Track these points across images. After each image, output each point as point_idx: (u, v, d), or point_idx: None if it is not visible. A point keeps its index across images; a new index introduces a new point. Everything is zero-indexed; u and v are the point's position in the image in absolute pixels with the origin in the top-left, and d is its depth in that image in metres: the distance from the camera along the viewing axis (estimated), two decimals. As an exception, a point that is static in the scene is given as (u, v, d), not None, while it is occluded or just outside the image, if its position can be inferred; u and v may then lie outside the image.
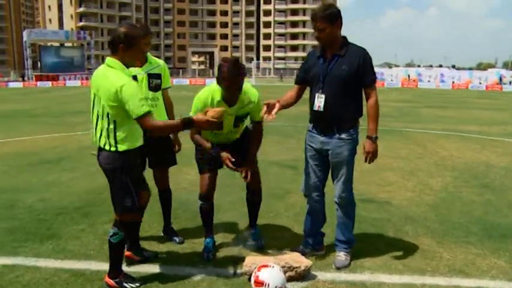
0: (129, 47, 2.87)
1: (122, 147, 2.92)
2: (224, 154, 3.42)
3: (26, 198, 5.16)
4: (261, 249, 3.70)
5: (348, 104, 3.32)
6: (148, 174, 3.86)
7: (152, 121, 2.81)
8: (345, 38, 3.34)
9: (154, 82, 3.71)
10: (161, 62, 3.86)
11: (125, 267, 3.24)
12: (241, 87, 3.32)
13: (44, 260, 3.49)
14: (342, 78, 3.26)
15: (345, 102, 3.31)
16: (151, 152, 3.71)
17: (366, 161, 3.37)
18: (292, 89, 3.56)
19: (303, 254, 3.49)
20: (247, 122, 3.67)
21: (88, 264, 3.41)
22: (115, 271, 3.09)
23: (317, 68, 3.36)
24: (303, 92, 3.55)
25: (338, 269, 3.35)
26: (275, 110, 3.25)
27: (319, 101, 3.33)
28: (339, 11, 3.26)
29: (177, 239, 3.90)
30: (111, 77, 2.83)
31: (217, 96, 3.38)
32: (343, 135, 3.35)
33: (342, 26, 3.29)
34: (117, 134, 2.89)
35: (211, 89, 3.43)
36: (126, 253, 3.39)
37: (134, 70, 3.56)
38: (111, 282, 3.07)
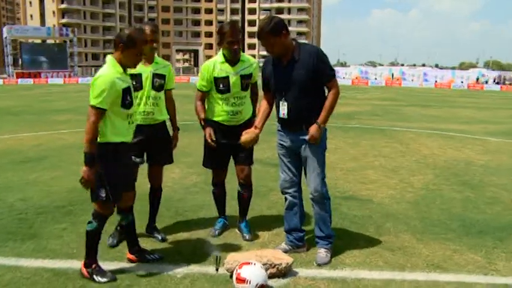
0: (127, 48, 3.05)
1: (101, 139, 3.04)
2: (208, 129, 3.79)
3: (7, 197, 5.10)
4: (250, 241, 3.85)
5: (312, 105, 3.39)
6: (141, 171, 3.88)
7: (94, 118, 2.93)
8: (295, 41, 3.42)
9: (158, 82, 3.77)
10: (168, 62, 3.95)
11: (107, 264, 3.25)
12: (239, 41, 3.71)
13: (25, 259, 3.46)
14: (301, 82, 3.33)
15: (309, 103, 3.38)
16: (149, 148, 3.81)
17: (308, 141, 3.41)
18: (263, 99, 3.65)
19: (285, 251, 3.53)
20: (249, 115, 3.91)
21: (70, 263, 3.39)
22: (89, 260, 3.17)
23: (276, 77, 3.45)
24: (274, 96, 3.62)
25: (319, 265, 3.40)
26: (254, 137, 3.51)
27: (283, 109, 3.43)
28: (281, 21, 3.33)
29: (159, 237, 3.91)
30: (100, 69, 3.07)
31: (220, 59, 3.77)
32: None
33: (289, 33, 3.38)
34: (100, 125, 3.01)
35: (213, 59, 3.85)
36: (129, 256, 3.44)
37: (140, 69, 3.67)
38: (84, 270, 3.16)
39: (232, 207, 4.29)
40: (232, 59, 3.76)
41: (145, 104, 3.73)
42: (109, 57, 3.12)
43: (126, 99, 3.06)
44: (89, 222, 3.16)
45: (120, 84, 3.02)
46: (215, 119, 3.84)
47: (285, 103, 3.41)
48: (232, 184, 4.17)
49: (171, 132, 3.95)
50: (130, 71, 3.49)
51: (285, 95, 3.41)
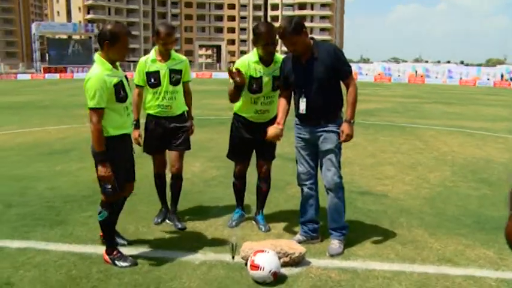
0: (113, 44, 3.12)
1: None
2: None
3: (36, 186, 5.38)
4: (267, 233, 4.00)
5: (330, 101, 3.55)
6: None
7: (95, 119, 3.08)
8: (313, 39, 3.55)
9: (175, 77, 3.97)
10: (184, 58, 4.13)
11: (128, 250, 3.44)
12: (275, 43, 3.72)
13: (53, 244, 3.69)
14: (320, 79, 3.48)
15: (327, 99, 3.53)
16: (170, 136, 4.04)
17: (341, 140, 3.55)
18: (281, 97, 3.78)
19: (299, 242, 3.66)
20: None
21: (94, 248, 3.60)
22: (109, 248, 3.36)
23: (295, 75, 3.59)
24: (291, 93, 3.79)
25: (332, 256, 3.52)
26: (279, 133, 3.63)
27: (303, 105, 3.57)
28: (301, 20, 3.49)
29: (179, 225, 4.11)
30: (90, 70, 3.19)
31: (254, 58, 3.81)
32: (330, 125, 3.57)
33: (307, 32, 3.50)
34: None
35: (247, 56, 3.91)
36: (101, 233, 3.57)
37: (158, 66, 3.90)
38: (106, 257, 3.35)
39: (250, 199, 4.43)
40: (267, 60, 3.82)
41: (164, 98, 3.95)
42: (96, 56, 3.19)
43: (119, 93, 3.17)
44: (100, 213, 3.33)
45: (111, 80, 3.11)
46: (243, 114, 3.98)
47: (304, 99, 3.56)
48: (249, 178, 4.31)
49: None
50: (149, 69, 3.79)
51: (304, 91, 3.55)
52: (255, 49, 3.85)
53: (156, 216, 4.27)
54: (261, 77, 3.82)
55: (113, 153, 3.18)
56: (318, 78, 3.49)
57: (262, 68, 3.81)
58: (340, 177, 3.66)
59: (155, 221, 4.20)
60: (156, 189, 4.33)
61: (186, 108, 4.16)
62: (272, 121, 3.92)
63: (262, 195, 4.21)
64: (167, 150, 4.13)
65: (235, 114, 4.03)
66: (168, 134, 4.04)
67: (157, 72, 3.92)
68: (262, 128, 3.82)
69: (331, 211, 3.71)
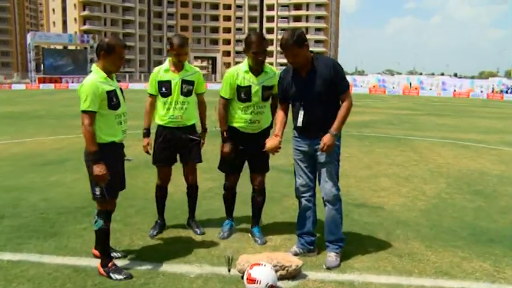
0: (108, 54, 3.28)
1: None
2: (227, 145, 3.94)
3: (30, 198, 5.33)
4: (263, 245, 3.98)
5: (329, 113, 3.54)
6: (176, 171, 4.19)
7: (87, 121, 3.17)
8: (312, 52, 3.58)
9: (187, 88, 4.02)
10: (197, 69, 4.17)
11: (123, 262, 3.40)
12: (265, 53, 3.78)
13: (47, 256, 3.65)
14: (319, 93, 3.50)
15: (325, 112, 3.54)
16: (181, 149, 4.11)
17: (320, 150, 3.53)
18: (279, 109, 3.80)
19: (296, 254, 3.65)
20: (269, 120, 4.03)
21: (89, 261, 3.56)
22: (104, 259, 3.35)
23: (294, 88, 3.61)
24: (289, 106, 3.81)
25: (328, 269, 3.50)
26: (277, 144, 3.61)
27: (301, 117, 3.59)
28: (303, 33, 3.51)
29: (198, 231, 4.22)
30: (85, 79, 3.32)
31: (244, 67, 3.86)
32: None
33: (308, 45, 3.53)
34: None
35: (237, 66, 3.96)
36: (94, 252, 3.60)
37: (170, 76, 3.97)
38: (101, 270, 3.33)
39: (246, 211, 4.40)
40: (257, 69, 3.87)
41: (174, 108, 3.99)
42: (93, 66, 3.38)
43: (112, 100, 3.29)
44: (95, 222, 3.37)
45: (104, 87, 3.24)
46: (234, 125, 3.99)
47: (303, 112, 3.57)
48: (242, 188, 4.29)
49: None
50: (161, 78, 3.91)
51: (303, 104, 3.57)
52: (246, 59, 3.89)
53: (152, 228, 4.24)
54: (249, 86, 3.86)
55: (101, 159, 3.23)
56: (317, 91, 3.51)
57: (252, 77, 3.86)
58: (338, 189, 3.66)
59: (151, 234, 4.16)
60: (155, 201, 4.31)
61: (197, 120, 4.19)
62: (263, 133, 3.96)
63: (257, 208, 4.20)
64: (180, 162, 4.19)
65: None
66: (179, 145, 4.08)
67: (169, 82, 3.98)
68: (254, 139, 3.86)
69: (329, 223, 3.69)
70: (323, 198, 3.66)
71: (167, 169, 4.19)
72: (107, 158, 3.25)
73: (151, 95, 4.11)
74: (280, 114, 3.76)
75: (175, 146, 4.08)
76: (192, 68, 4.12)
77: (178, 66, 4.01)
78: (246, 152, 3.99)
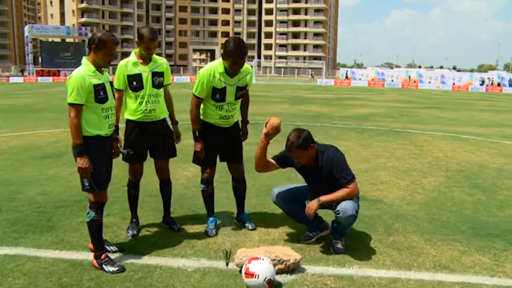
0: (99, 49, 3.28)
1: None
2: (199, 145, 3.94)
3: (27, 191, 5.29)
4: (261, 239, 3.95)
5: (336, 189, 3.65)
6: (148, 166, 4.02)
7: (73, 114, 3.18)
8: (317, 144, 3.70)
9: (158, 80, 3.91)
10: (164, 60, 4.05)
11: (120, 257, 3.37)
12: (243, 62, 3.77)
13: (44, 250, 3.62)
14: (324, 181, 3.66)
15: (333, 190, 3.63)
16: (153, 145, 3.97)
17: (306, 213, 3.64)
18: (270, 160, 3.89)
19: (310, 239, 3.84)
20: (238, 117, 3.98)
21: (86, 255, 3.53)
22: (97, 251, 3.35)
23: (302, 173, 3.88)
24: (274, 169, 3.94)
25: (337, 254, 3.64)
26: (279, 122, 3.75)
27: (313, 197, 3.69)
28: (309, 135, 3.65)
29: (175, 227, 4.11)
30: (73, 71, 3.31)
31: (220, 69, 3.81)
32: None
33: (315, 144, 3.68)
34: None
35: (212, 64, 3.89)
36: (90, 245, 3.53)
37: (139, 69, 3.83)
38: (95, 262, 3.33)
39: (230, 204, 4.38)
40: (233, 75, 3.86)
41: (147, 102, 3.85)
42: (83, 59, 3.36)
43: (99, 94, 3.28)
44: (87, 214, 3.37)
45: (91, 80, 3.24)
46: (208, 120, 3.99)
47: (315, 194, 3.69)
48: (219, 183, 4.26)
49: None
50: (130, 72, 3.77)
51: (311, 187, 3.84)
52: (221, 58, 3.83)
53: (130, 228, 4.04)
54: (224, 88, 3.86)
55: (88, 152, 3.23)
56: (321, 182, 3.69)
57: (227, 78, 3.84)
58: (357, 212, 3.66)
59: (130, 234, 3.97)
60: (128, 199, 4.16)
61: (168, 113, 4.07)
62: (234, 126, 4.10)
63: (240, 195, 4.27)
64: (151, 157, 4.05)
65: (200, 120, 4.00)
66: (152, 140, 3.94)
67: (139, 75, 3.82)
68: (226, 132, 3.99)
69: (338, 231, 3.77)
70: (338, 212, 3.60)
71: (139, 165, 4.03)
72: (92, 151, 3.23)
73: (118, 90, 3.86)
74: (269, 161, 3.89)
75: (147, 141, 3.93)
76: (159, 59, 3.97)
77: (147, 58, 3.85)
78: (219, 144, 4.04)
